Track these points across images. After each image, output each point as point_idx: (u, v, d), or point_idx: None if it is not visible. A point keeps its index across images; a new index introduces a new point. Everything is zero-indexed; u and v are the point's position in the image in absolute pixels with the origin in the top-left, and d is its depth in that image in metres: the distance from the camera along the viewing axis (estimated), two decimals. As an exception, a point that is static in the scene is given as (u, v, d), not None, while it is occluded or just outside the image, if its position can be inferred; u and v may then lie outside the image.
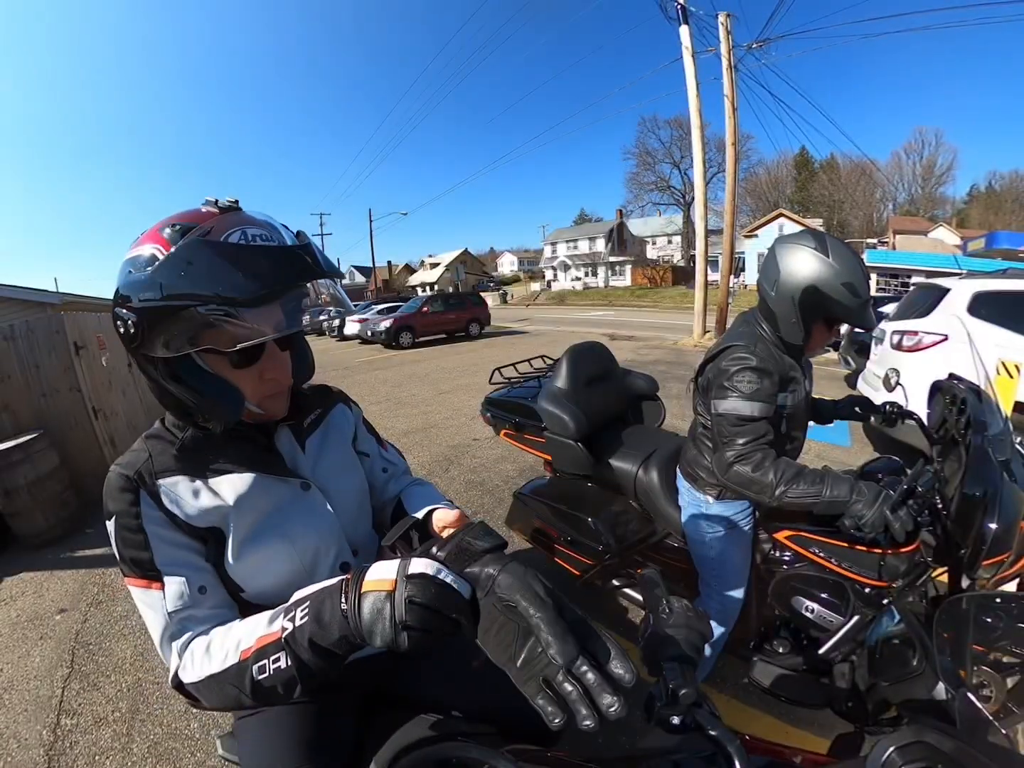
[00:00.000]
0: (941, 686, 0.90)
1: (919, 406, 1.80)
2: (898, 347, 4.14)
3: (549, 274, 46.16)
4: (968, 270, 5.60)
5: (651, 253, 45.49)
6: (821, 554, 1.47)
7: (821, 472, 1.32)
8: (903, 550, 1.35)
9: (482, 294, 19.79)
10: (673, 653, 0.58)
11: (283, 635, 0.61)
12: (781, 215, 31.75)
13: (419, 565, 0.56)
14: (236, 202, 0.72)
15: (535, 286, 45.45)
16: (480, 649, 1.17)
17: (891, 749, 0.50)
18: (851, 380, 6.49)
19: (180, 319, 0.66)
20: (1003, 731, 0.65)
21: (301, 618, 0.60)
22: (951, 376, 1.65)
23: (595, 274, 42.30)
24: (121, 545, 0.72)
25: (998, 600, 1.28)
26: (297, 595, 0.65)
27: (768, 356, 1.40)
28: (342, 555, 0.88)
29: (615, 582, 2.07)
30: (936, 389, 1.68)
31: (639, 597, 2.00)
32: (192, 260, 0.64)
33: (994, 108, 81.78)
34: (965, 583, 1.28)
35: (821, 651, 1.49)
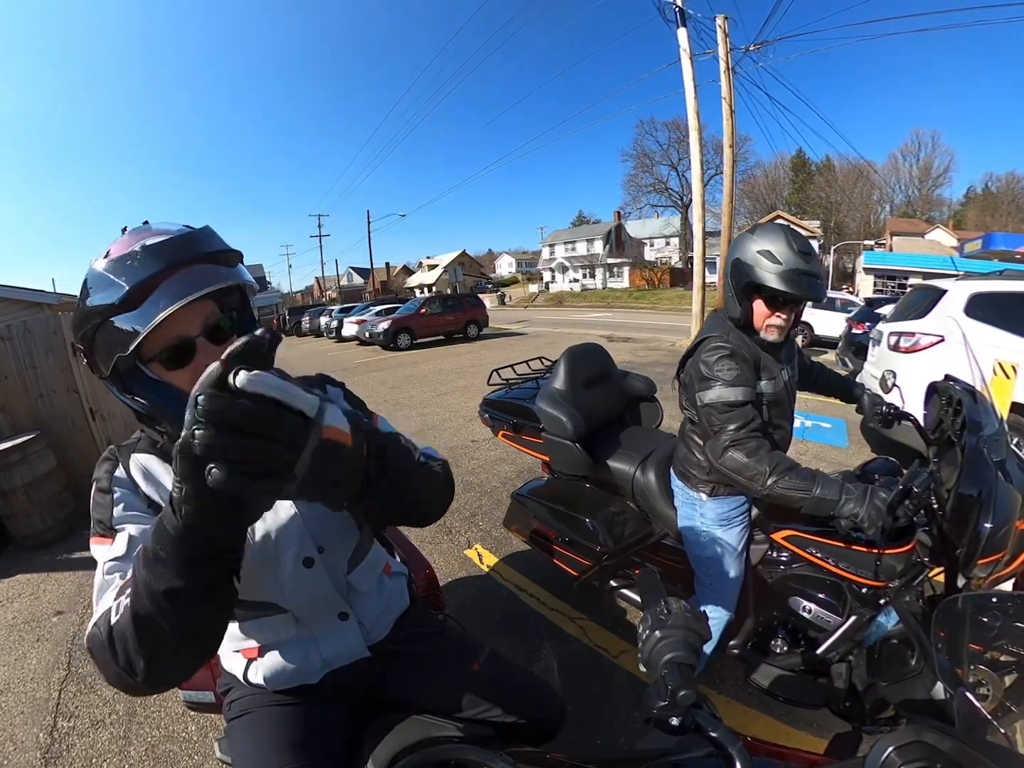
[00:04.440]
0: (940, 686, 0.91)
1: (916, 407, 1.81)
2: (895, 348, 4.15)
3: (547, 276, 46.15)
4: (965, 271, 5.61)
5: (649, 255, 45.52)
6: (818, 554, 1.48)
7: (813, 471, 1.33)
8: (899, 550, 1.35)
9: (480, 295, 19.77)
10: (671, 654, 0.58)
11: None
12: (779, 217, 31.84)
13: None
14: (145, 222, 0.77)
15: (533, 288, 45.40)
16: (479, 650, 1.16)
17: (890, 749, 0.50)
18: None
19: (95, 341, 0.71)
20: (1002, 730, 0.65)
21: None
22: (947, 377, 1.66)
23: (593, 276, 42.30)
24: (93, 507, 0.78)
25: (994, 599, 1.27)
26: None
27: (741, 343, 1.46)
28: (304, 550, 0.88)
29: (613, 583, 2.07)
30: (933, 390, 1.69)
31: (637, 598, 2.00)
32: (85, 287, 0.71)
33: (991, 110, 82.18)
34: (961, 582, 1.29)
35: (819, 651, 1.50)
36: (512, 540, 2.96)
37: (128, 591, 0.57)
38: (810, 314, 11.16)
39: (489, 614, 2.44)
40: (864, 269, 19.92)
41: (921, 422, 1.76)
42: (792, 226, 1.46)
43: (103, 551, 0.74)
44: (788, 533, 1.54)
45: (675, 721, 0.55)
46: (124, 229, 0.76)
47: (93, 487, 0.80)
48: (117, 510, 0.77)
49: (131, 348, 0.68)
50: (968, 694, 0.68)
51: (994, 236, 19.65)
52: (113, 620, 0.58)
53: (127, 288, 0.66)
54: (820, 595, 1.52)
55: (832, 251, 28.47)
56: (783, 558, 1.59)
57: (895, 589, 1.40)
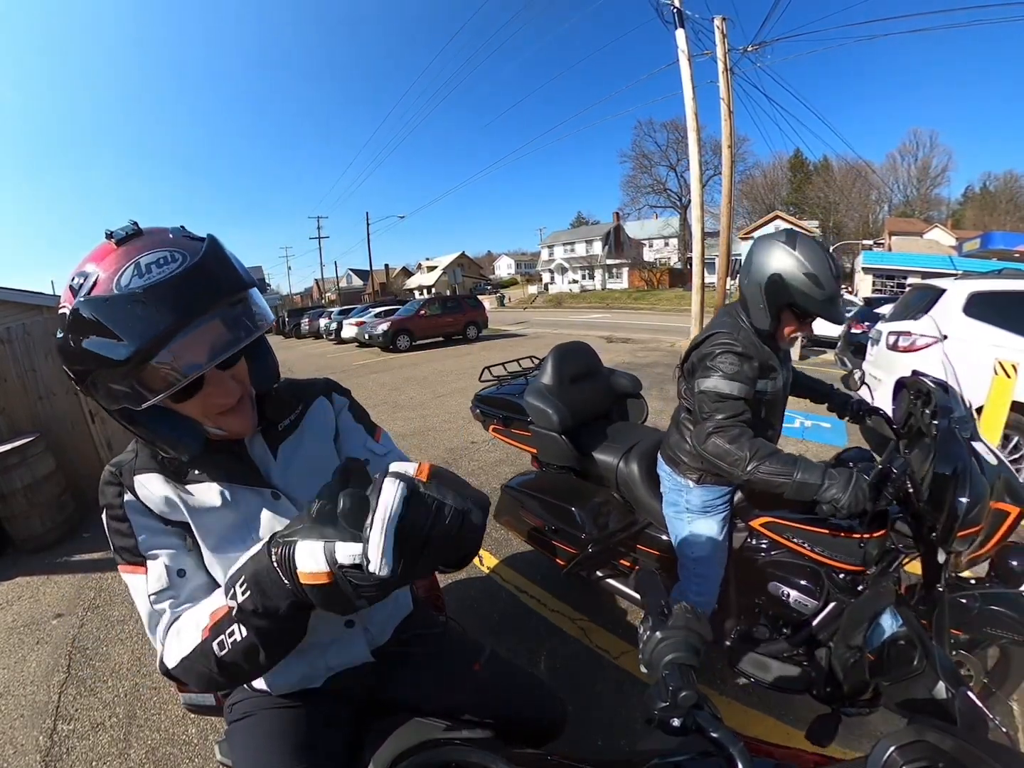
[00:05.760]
0: (941, 685, 0.91)
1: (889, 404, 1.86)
2: (894, 348, 4.16)
3: (546, 277, 46.18)
4: (964, 270, 5.61)
5: (648, 256, 45.48)
6: (795, 540, 1.52)
7: (795, 456, 1.37)
8: (874, 535, 1.39)
9: (479, 297, 19.76)
10: (672, 655, 0.58)
11: (231, 611, 0.63)
12: (777, 217, 31.87)
13: (346, 553, 0.53)
14: (135, 224, 0.68)
15: (532, 289, 45.40)
16: (480, 651, 1.16)
17: (892, 748, 0.50)
18: (847, 381, 6.56)
19: (94, 384, 0.67)
20: (1003, 729, 0.65)
21: (242, 593, 0.61)
22: (915, 373, 1.71)
23: (592, 277, 42.33)
24: (112, 534, 0.78)
25: (972, 581, 1.40)
26: (231, 569, 0.66)
27: (749, 343, 1.49)
28: None
29: (599, 573, 2.10)
30: (901, 386, 1.72)
31: (622, 588, 2.04)
32: (77, 320, 0.63)
33: (989, 109, 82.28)
34: (941, 557, 1.31)
35: (799, 637, 1.53)
36: (512, 541, 2.96)
37: (227, 631, 0.64)
38: (809, 314, 11.15)
39: (489, 615, 2.44)
40: (863, 269, 19.91)
41: (891, 416, 1.81)
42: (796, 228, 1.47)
43: (138, 581, 0.76)
44: (766, 520, 1.58)
45: (676, 722, 0.55)
46: (109, 235, 0.67)
47: (104, 512, 0.79)
48: (141, 539, 0.77)
49: (144, 406, 0.66)
50: (970, 693, 0.68)
51: (992, 235, 19.62)
52: (219, 654, 0.64)
53: (133, 349, 0.60)
54: (800, 581, 1.55)
55: (831, 251, 28.46)
56: (763, 545, 1.63)
57: (873, 575, 1.44)
